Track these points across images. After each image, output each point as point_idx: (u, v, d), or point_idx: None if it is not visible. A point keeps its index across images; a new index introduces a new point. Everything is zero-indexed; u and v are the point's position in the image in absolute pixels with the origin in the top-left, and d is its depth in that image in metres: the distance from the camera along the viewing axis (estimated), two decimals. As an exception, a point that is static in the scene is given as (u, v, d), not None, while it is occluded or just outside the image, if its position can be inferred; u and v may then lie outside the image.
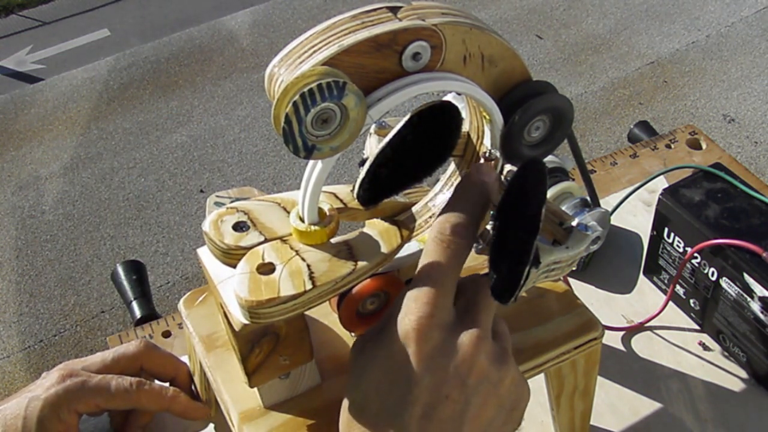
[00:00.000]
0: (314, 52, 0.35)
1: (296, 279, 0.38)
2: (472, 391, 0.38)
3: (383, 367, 0.37)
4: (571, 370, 0.54)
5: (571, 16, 3.16)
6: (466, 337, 0.38)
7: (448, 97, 0.49)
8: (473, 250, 0.45)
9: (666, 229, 0.70)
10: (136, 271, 0.92)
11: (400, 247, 0.43)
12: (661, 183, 0.80)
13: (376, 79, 0.36)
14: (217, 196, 0.47)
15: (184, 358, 0.61)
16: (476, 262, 0.52)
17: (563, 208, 0.64)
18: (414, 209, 0.47)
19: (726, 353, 0.69)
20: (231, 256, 0.41)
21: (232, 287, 0.39)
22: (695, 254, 0.67)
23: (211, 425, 0.62)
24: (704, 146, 0.90)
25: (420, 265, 0.39)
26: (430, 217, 0.46)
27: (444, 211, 0.41)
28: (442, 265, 0.39)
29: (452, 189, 0.47)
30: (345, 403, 0.39)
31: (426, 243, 0.40)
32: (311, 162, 0.39)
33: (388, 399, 0.37)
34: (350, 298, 0.45)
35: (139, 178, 2.50)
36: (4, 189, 2.53)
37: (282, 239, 0.41)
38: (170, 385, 0.59)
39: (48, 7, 3.84)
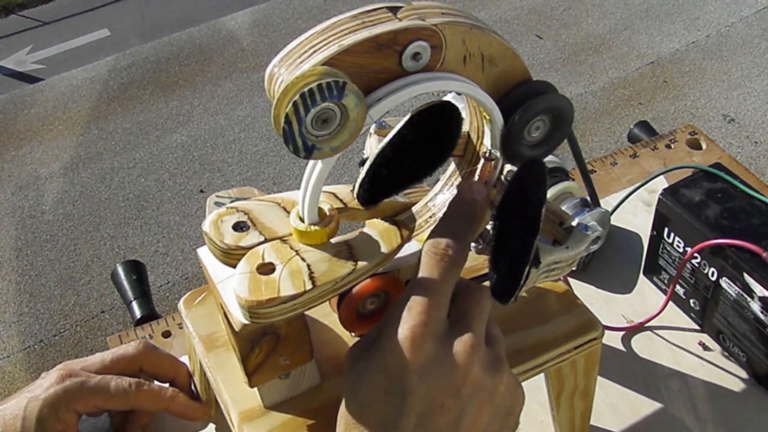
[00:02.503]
0: (314, 52, 0.35)
1: (296, 279, 0.38)
2: (466, 400, 0.38)
3: (378, 378, 0.38)
4: (571, 370, 0.54)
5: (571, 16, 3.16)
6: (460, 346, 0.38)
7: (448, 97, 0.49)
8: (473, 250, 0.45)
9: (666, 229, 0.70)
10: (136, 271, 0.92)
11: (400, 247, 0.43)
12: (661, 183, 0.80)
13: (376, 79, 0.36)
14: (217, 196, 0.47)
15: (184, 358, 0.61)
16: (476, 262, 0.52)
17: (563, 208, 0.64)
18: (414, 209, 0.47)
19: (726, 353, 0.69)
20: (231, 256, 0.41)
21: (232, 287, 0.39)
22: (695, 254, 0.67)
23: (211, 425, 0.62)
24: (704, 146, 0.90)
25: (414, 278, 0.39)
26: (430, 217, 0.46)
27: (436, 227, 0.41)
28: (436, 276, 0.39)
29: (452, 189, 0.47)
30: (341, 412, 0.39)
31: (420, 257, 0.40)
32: (311, 162, 0.39)
33: (384, 409, 0.37)
34: (350, 298, 0.45)
35: (139, 178, 2.50)
36: (4, 189, 2.53)
37: (282, 239, 0.41)
38: (170, 385, 0.59)
39: (48, 7, 3.84)
